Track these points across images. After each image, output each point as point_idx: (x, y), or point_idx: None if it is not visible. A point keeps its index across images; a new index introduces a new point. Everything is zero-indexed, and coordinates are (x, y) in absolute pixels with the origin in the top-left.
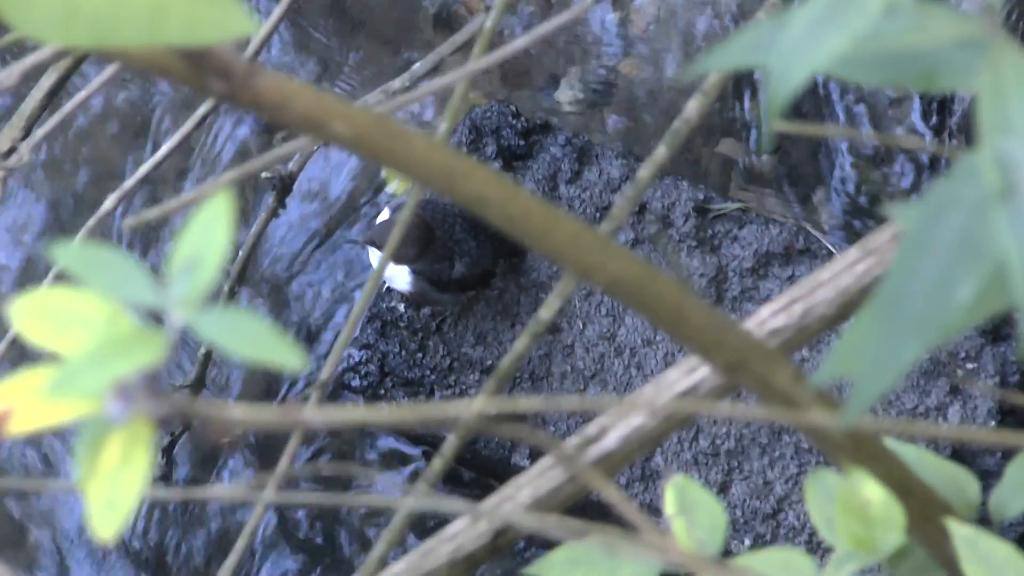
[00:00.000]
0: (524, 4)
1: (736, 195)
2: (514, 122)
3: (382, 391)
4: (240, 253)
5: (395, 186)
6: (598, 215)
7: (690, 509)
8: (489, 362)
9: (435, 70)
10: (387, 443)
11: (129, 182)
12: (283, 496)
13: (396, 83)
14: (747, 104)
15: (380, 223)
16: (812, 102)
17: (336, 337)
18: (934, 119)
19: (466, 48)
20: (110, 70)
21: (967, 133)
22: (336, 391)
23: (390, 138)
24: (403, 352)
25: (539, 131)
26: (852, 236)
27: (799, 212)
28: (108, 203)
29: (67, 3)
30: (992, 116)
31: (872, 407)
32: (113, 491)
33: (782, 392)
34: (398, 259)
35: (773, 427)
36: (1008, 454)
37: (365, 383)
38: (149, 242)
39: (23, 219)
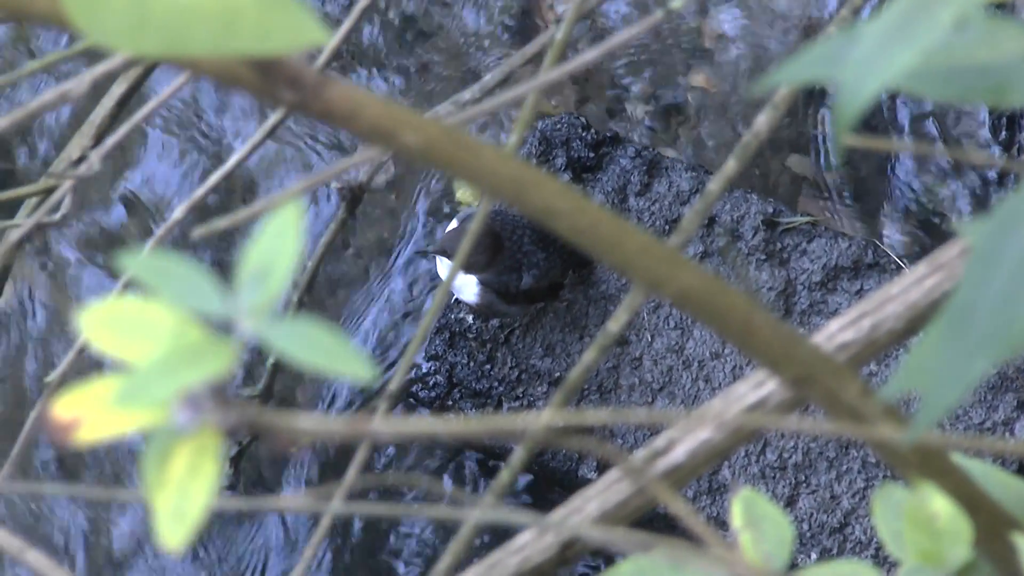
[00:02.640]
0: (595, 16)
1: (805, 209)
2: (584, 134)
3: (450, 402)
4: (309, 263)
5: (462, 194)
6: (667, 228)
7: (757, 523)
8: (557, 374)
9: (506, 81)
10: (455, 454)
11: (199, 191)
12: (350, 507)
13: (466, 94)
14: (817, 118)
15: (449, 232)
16: (881, 116)
17: (404, 348)
18: (1003, 134)
19: (537, 60)
20: (180, 79)
21: None
22: (404, 402)
23: (460, 149)
24: (471, 363)
25: (609, 143)
26: (921, 250)
27: (868, 226)
28: (178, 212)
29: (138, 12)
30: None
31: (939, 422)
32: (180, 501)
33: (850, 406)
34: (467, 268)
35: (840, 441)
36: None
37: (433, 394)
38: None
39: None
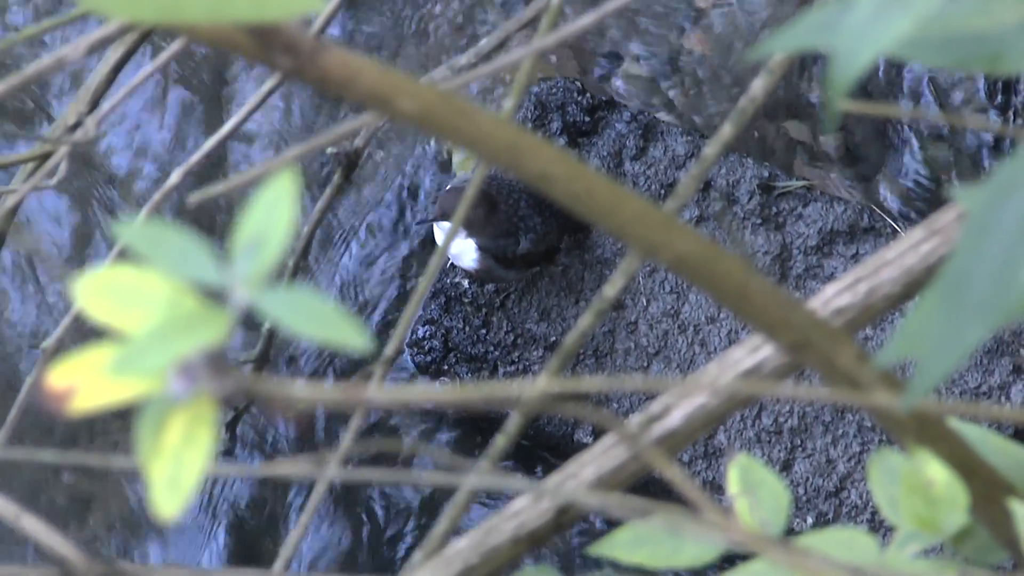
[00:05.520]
0: None
1: (801, 173)
2: (579, 98)
3: (445, 367)
4: (304, 230)
5: (458, 161)
6: (663, 192)
7: (753, 488)
8: (553, 338)
9: (501, 47)
10: (450, 420)
11: (194, 157)
12: (345, 473)
13: (462, 60)
14: (814, 82)
15: (445, 192)
16: (878, 81)
17: (399, 313)
18: (999, 98)
19: (533, 24)
20: (176, 45)
21: None
22: (399, 366)
23: (456, 114)
24: (467, 328)
25: (604, 107)
26: (917, 215)
27: (864, 190)
28: (173, 178)
29: None
30: None
31: (935, 387)
32: (176, 469)
33: (846, 372)
34: (464, 226)
35: (836, 405)
36: None
37: (429, 359)
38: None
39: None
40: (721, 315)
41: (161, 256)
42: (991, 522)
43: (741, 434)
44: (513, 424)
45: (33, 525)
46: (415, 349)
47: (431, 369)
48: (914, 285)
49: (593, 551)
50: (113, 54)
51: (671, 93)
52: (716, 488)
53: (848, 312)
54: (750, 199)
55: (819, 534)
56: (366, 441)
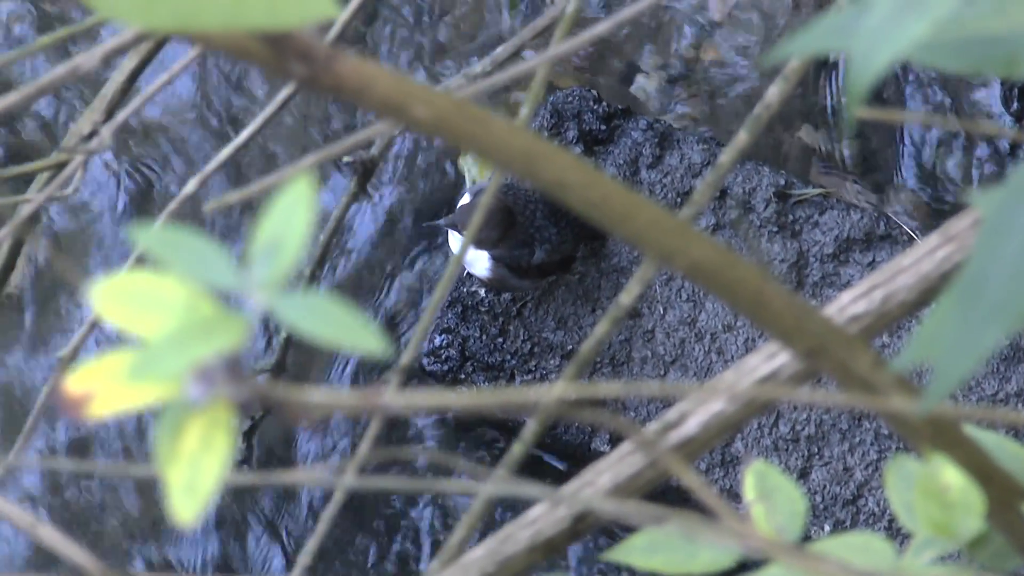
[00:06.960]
0: None
1: (817, 180)
2: (595, 107)
3: (462, 375)
4: (321, 237)
5: (468, 167)
6: (679, 200)
7: (770, 495)
8: (570, 347)
9: (516, 55)
10: (467, 429)
11: (211, 165)
12: (363, 481)
13: (477, 68)
14: (829, 89)
15: (461, 207)
16: (893, 87)
17: (417, 322)
18: (1015, 105)
19: (548, 33)
20: (191, 54)
21: None
22: (416, 375)
23: (470, 122)
24: (484, 337)
25: (620, 116)
26: (933, 222)
27: (880, 198)
28: (190, 186)
29: None
30: None
31: (952, 393)
32: (193, 475)
33: (862, 378)
34: (479, 244)
35: (853, 413)
36: None
37: (445, 367)
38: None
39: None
40: (738, 323)
41: (178, 261)
42: (1007, 528)
43: (758, 442)
44: (530, 431)
45: (49, 534)
46: (432, 358)
47: (448, 378)
48: (930, 292)
49: (609, 557)
50: (128, 63)
51: (687, 101)
52: (733, 496)
53: (864, 319)
54: (766, 207)
55: (835, 539)
56: (383, 449)
